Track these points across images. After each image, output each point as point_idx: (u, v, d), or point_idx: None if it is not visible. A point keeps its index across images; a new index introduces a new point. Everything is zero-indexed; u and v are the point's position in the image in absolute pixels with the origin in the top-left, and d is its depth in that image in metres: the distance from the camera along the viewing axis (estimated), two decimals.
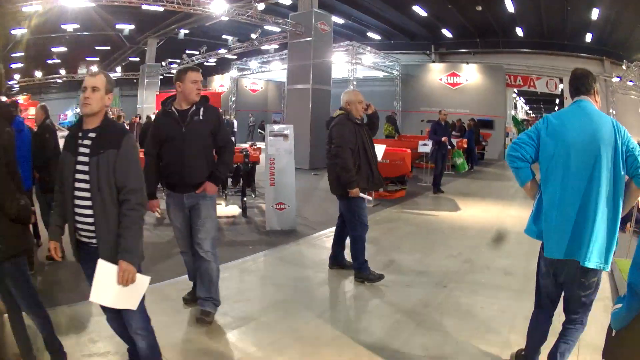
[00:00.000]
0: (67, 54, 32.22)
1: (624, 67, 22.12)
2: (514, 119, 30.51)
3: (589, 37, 24.44)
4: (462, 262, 6.94)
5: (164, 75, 32.60)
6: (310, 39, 18.01)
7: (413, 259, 7.00)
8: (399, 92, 30.25)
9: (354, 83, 25.88)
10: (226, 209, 10.42)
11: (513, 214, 10.61)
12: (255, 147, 12.32)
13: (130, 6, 18.03)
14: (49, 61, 34.35)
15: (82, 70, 33.85)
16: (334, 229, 6.67)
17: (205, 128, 4.56)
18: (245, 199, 10.07)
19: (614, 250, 3.30)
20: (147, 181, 3.60)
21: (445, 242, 8.10)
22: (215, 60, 31.08)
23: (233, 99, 32.97)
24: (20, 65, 32.76)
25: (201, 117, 4.52)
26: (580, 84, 3.49)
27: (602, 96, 24.53)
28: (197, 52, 28.64)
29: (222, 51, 28.04)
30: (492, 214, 10.72)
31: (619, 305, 2.53)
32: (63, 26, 26.25)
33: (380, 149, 10.80)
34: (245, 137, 30.78)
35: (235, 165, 10.23)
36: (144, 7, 18.31)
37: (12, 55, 29.46)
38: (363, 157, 5.85)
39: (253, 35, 22.70)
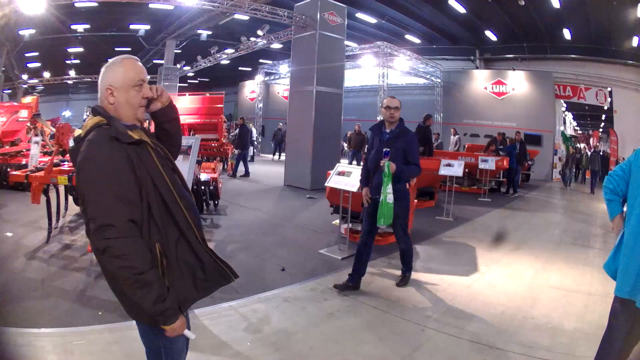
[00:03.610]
0: (87, 54, 31.84)
1: None
2: (563, 134, 27.11)
3: (635, 42, 21.64)
4: None
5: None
6: (314, 32, 14.69)
7: None
8: (440, 102, 27.04)
9: (385, 89, 23.19)
10: None
11: (555, 281, 6.76)
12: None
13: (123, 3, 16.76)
14: (67, 62, 34.02)
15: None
16: (260, 296, 5.09)
17: None
18: None
19: None
20: None
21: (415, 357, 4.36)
22: (228, 61, 28.71)
23: (260, 105, 30.41)
24: (38, 64, 32.73)
25: None
26: None
27: None
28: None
29: (229, 51, 25.37)
30: (524, 281, 6.75)
31: None
32: (73, 26, 25.86)
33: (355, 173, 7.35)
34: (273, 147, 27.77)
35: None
36: None
37: (27, 54, 29.84)
38: (170, 227, 2.28)
39: (260, 32, 19.74)
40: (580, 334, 4.89)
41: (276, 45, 23.24)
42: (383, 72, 23.47)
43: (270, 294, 5.65)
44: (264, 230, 9.11)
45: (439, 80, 27.15)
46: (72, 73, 34.96)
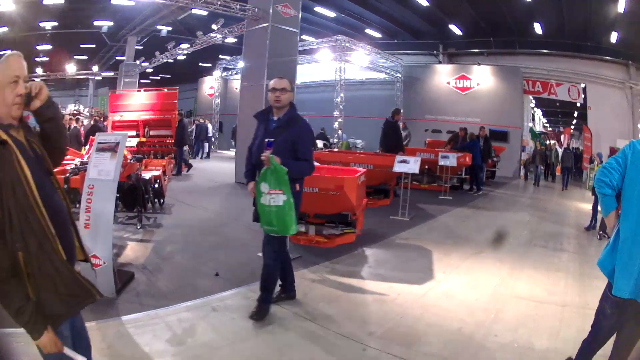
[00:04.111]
0: (54, 52, 32.17)
1: None
2: (532, 131, 26.86)
3: (614, 37, 21.43)
4: None
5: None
6: (266, 25, 13.83)
7: None
8: (401, 97, 26.45)
9: (342, 84, 22.73)
10: None
11: (523, 290, 5.90)
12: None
13: None
14: (36, 59, 34.08)
15: (71, 69, 33.75)
16: (189, 304, 4.77)
17: None
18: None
19: None
20: None
21: None
22: (184, 56, 27.82)
23: (217, 101, 29.82)
24: None
25: None
26: None
27: (626, 107, 21.08)
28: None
29: (184, 46, 24.77)
30: (487, 290, 5.84)
31: None
32: (41, 24, 26.07)
33: None
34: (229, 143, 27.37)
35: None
36: None
37: None
38: (32, 236, 2.11)
39: (214, 26, 18.93)
40: (553, 354, 4.07)
41: (230, 40, 22.53)
42: (340, 66, 22.85)
43: (200, 301, 5.04)
44: (207, 231, 8.45)
45: (399, 75, 26.64)
46: (39, 71, 34.46)
